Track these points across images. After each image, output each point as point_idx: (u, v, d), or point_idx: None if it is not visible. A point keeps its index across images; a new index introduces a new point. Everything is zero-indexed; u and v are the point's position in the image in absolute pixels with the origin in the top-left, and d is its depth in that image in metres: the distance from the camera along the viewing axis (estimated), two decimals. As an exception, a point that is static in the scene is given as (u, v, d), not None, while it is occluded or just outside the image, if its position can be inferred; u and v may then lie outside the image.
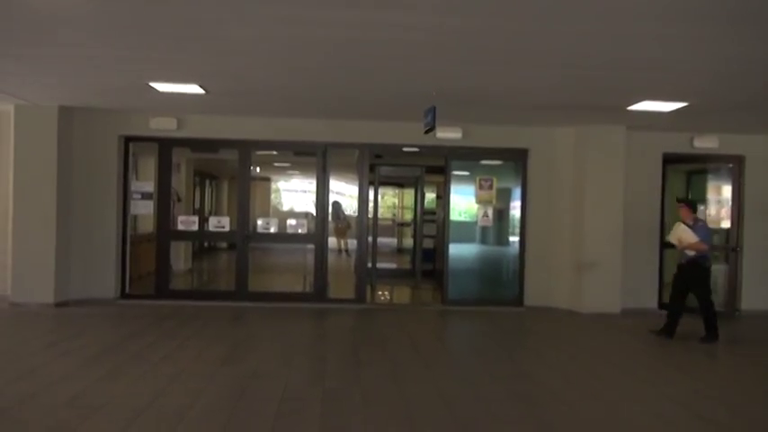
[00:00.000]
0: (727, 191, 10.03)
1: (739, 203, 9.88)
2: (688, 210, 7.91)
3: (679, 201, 8.18)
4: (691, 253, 7.79)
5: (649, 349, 7.82)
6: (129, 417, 4.63)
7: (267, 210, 15.60)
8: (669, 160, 10.03)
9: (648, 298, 9.88)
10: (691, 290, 7.94)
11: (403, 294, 11.76)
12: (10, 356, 6.38)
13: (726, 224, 9.97)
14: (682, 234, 7.79)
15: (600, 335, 8.31)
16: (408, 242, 14.96)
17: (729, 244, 9.86)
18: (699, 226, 7.81)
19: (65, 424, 4.48)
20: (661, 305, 9.92)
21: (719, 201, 10.17)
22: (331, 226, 11.25)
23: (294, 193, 16.91)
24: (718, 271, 10.07)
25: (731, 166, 9.95)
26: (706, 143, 9.74)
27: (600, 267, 9.38)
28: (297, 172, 15.75)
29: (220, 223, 9.90)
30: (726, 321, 9.48)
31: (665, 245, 9.99)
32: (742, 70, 6.02)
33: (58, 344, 6.90)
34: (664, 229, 10.00)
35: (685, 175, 10.69)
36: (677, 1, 4.24)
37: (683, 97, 7.38)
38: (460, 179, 10.46)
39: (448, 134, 9.41)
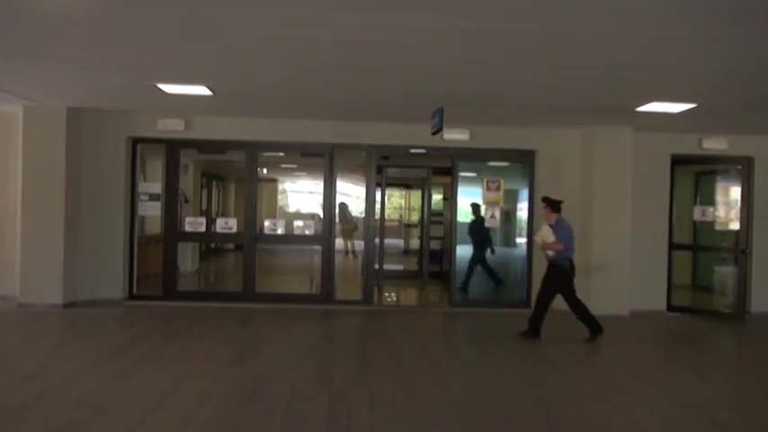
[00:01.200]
0: (735, 192, 9.96)
1: (748, 205, 9.81)
2: (550, 210, 7.80)
3: (543, 200, 8.05)
4: (550, 253, 7.72)
5: (659, 352, 7.80)
6: (137, 417, 4.63)
7: (274, 211, 15.60)
8: (677, 161, 9.98)
9: (657, 300, 9.82)
10: (557, 291, 7.83)
11: (410, 296, 11.74)
12: (18, 357, 6.40)
13: (735, 226, 9.90)
14: (543, 234, 7.76)
15: (608, 337, 8.25)
16: (415, 243, 14.94)
17: (739, 246, 9.79)
18: (558, 226, 7.70)
19: (73, 424, 4.49)
20: (669, 307, 9.88)
21: (728, 202, 10.10)
22: (338, 227, 11.23)
23: (301, 195, 16.91)
24: (728, 273, 10.03)
25: (740, 167, 9.88)
26: (714, 144, 9.69)
27: (608, 269, 9.33)
28: (304, 173, 15.75)
29: (227, 224, 9.91)
30: (736, 324, 9.45)
31: (673, 246, 9.96)
32: (751, 70, 5.99)
33: (66, 345, 6.92)
34: (672, 230, 9.96)
35: (694, 176, 10.64)
36: (686, 1, 4.21)
37: (692, 98, 7.34)
38: (467, 180, 10.44)
39: (455, 135, 9.39)
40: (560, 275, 7.73)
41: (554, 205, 7.84)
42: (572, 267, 7.78)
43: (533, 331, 7.84)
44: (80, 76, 7.14)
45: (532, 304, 9.71)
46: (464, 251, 10.23)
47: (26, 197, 8.92)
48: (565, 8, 4.40)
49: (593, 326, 7.76)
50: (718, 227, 10.12)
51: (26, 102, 8.59)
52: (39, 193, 8.87)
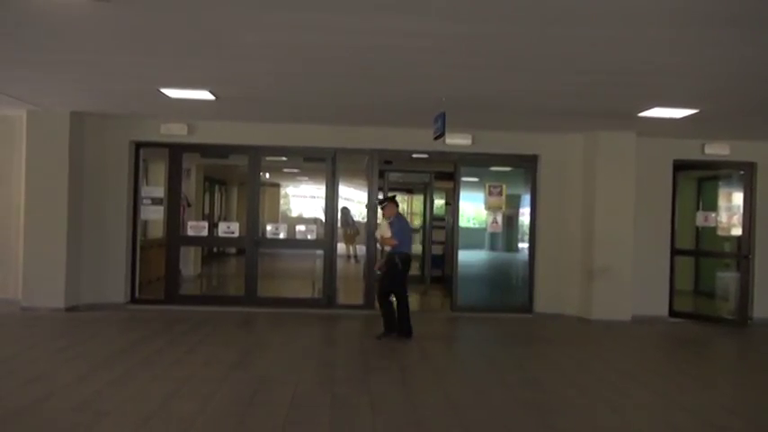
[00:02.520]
0: (738, 198, 9.95)
1: (751, 210, 9.79)
2: (392, 207, 7.99)
3: (380, 202, 8.22)
4: (387, 248, 7.88)
5: (661, 357, 7.79)
6: (139, 421, 4.64)
7: (276, 215, 15.64)
8: (680, 167, 9.97)
9: (659, 305, 9.80)
10: (402, 284, 7.92)
11: (412, 300, 11.60)
12: (21, 361, 6.41)
13: (737, 231, 9.88)
14: (381, 230, 7.97)
15: (610, 342, 8.26)
16: (417, 248, 14.93)
17: (741, 251, 9.77)
18: (395, 222, 7.86)
19: (75, 428, 4.49)
20: (672, 313, 9.87)
21: (731, 208, 10.09)
22: (340, 232, 11.25)
23: (303, 199, 16.95)
24: (730, 279, 10.01)
25: (742, 172, 9.88)
26: (717, 150, 9.69)
27: (610, 274, 9.32)
28: (306, 178, 15.79)
29: (230, 229, 9.92)
30: (738, 329, 9.43)
31: (675, 252, 9.95)
32: (754, 75, 5.99)
33: (68, 348, 6.92)
34: (675, 236, 9.95)
35: (696, 181, 10.63)
36: (689, 6, 4.22)
37: (695, 104, 7.35)
38: (469, 185, 10.45)
39: (457, 140, 9.40)
40: (395, 272, 7.84)
41: (395, 203, 8.08)
42: (407, 263, 7.91)
43: (409, 332, 7.86)
44: (83, 81, 7.17)
45: (532, 307, 9.74)
46: (466, 256, 10.20)
47: (29, 201, 8.93)
48: (567, 14, 4.41)
49: (404, 327, 7.81)
50: (720, 232, 10.11)
51: (30, 106, 8.61)
52: (42, 196, 8.88)
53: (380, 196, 8.33)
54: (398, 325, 7.83)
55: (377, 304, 8.29)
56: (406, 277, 8.02)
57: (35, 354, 6.75)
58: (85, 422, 4.59)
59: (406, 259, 7.92)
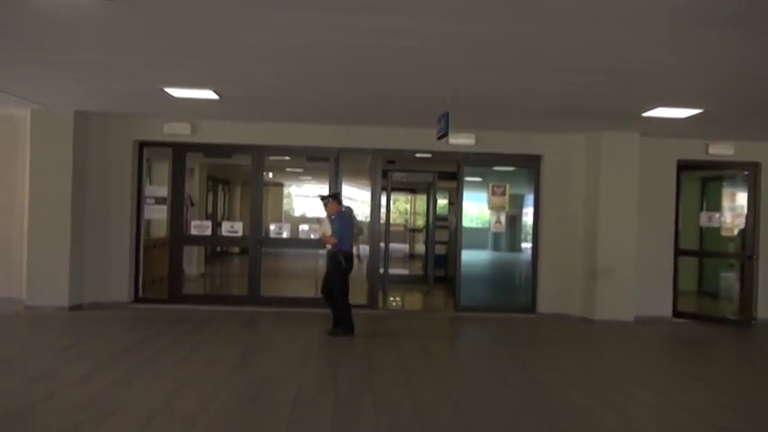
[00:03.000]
0: (742, 198, 9.93)
1: (755, 211, 9.76)
2: (335, 204, 8.01)
3: (323, 199, 8.20)
4: (329, 246, 7.93)
5: (664, 357, 7.77)
6: (143, 420, 4.64)
7: (279, 215, 15.66)
8: (684, 167, 9.95)
9: (663, 306, 9.79)
10: (343, 280, 7.93)
11: (415, 300, 11.74)
12: (25, 359, 6.43)
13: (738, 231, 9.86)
14: (323, 227, 8.05)
15: (613, 342, 8.25)
16: (420, 248, 14.95)
17: (745, 252, 9.75)
18: (336, 220, 7.89)
19: (79, 427, 4.50)
20: (675, 313, 9.85)
21: (735, 208, 10.07)
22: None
23: (306, 199, 16.96)
24: (734, 279, 9.98)
25: (746, 173, 9.85)
26: (721, 150, 9.66)
27: (613, 274, 9.31)
28: (309, 177, 15.81)
29: (233, 228, 9.93)
30: (742, 330, 9.41)
31: (679, 252, 9.93)
32: (758, 76, 5.97)
33: (72, 347, 6.94)
34: (678, 236, 9.93)
35: (700, 182, 10.61)
36: (693, 6, 4.21)
37: (699, 103, 7.33)
38: (473, 185, 10.44)
39: (461, 140, 9.40)
40: (335, 268, 7.87)
41: (337, 198, 8.14)
42: (348, 260, 7.92)
43: (350, 328, 7.87)
44: (88, 80, 7.18)
45: (535, 307, 9.74)
46: (469, 256, 10.20)
47: (33, 200, 8.95)
48: (571, 13, 4.40)
49: (344, 325, 7.83)
50: (724, 233, 10.08)
51: (34, 105, 8.63)
52: (46, 196, 8.90)
53: (325, 193, 8.40)
54: (341, 322, 7.86)
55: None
56: (347, 275, 8.02)
57: (39, 352, 6.76)
58: (89, 421, 4.60)
59: (348, 257, 7.95)
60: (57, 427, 4.53)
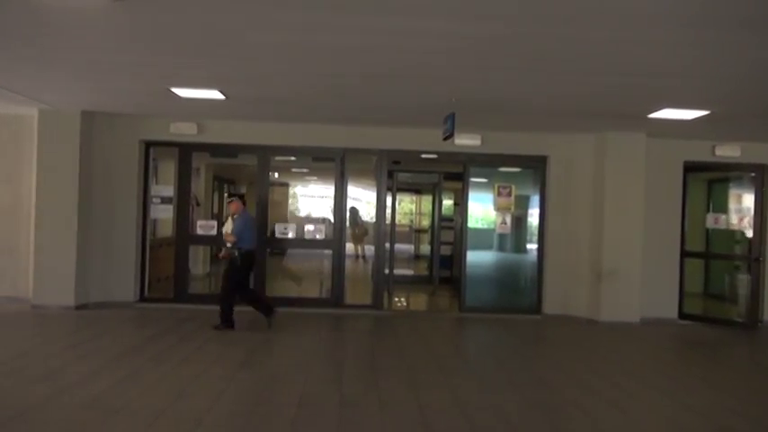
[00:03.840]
0: (749, 200, 9.89)
1: (762, 212, 9.73)
2: (237, 204, 8.23)
3: (229, 197, 8.59)
4: (229, 244, 8.07)
5: (670, 359, 7.75)
6: (148, 419, 4.66)
7: (285, 215, 15.66)
8: (690, 168, 9.92)
9: (668, 307, 9.76)
10: (238, 279, 8.13)
11: (420, 301, 11.73)
12: (31, 358, 6.45)
13: (748, 233, 9.82)
14: (227, 226, 8.22)
15: (619, 344, 8.23)
16: (426, 249, 14.94)
17: (752, 254, 9.71)
18: (237, 219, 8.10)
19: (84, 425, 4.52)
20: (681, 315, 9.82)
21: (741, 210, 10.03)
22: (348, 232, 11.26)
23: (312, 199, 16.96)
24: (741, 281, 9.95)
25: (753, 174, 9.81)
26: (728, 152, 9.63)
27: (619, 276, 9.29)
28: (315, 177, 15.80)
29: (239, 228, 9.92)
30: (748, 332, 9.37)
31: (685, 254, 9.90)
32: (765, 77, 5.95)
33: (78, 346, 6.96)
34: (684, 237, 9.90)
35: (706, 183, 10.57)
36: (700, 8, 4.20)
37: (705, 105, 7.31)
38: (478, 186, 10.43)
39: (466, 141, 9.39)
40: (231, 266, 8.05)
41: (241, 198, 8.37)
42: (246, 258, 8.08)
43: (227, 322, 8.02)
44: (94, 80, 7.21)
45: (541, 308, 9.73)
46: (475, 257, 10.19)
47: (40, 199, 8.99)
48: (578, 15, 4.39)
49: (225, 320, 8.00)
50: (737, 237, 10.03)
51: (41, 104, 8.67)
52: (52, 195, 8.94)
53: (229, 193, 8.69)
54: (222, 315, 8.01)
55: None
56: (246, 274, 8.27)
57: (45, 351, 6.79)
58: (95, 419, 4.62)
59: (248, 255, 8.10)
60: (63, 425, 4.55)
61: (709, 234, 10.17)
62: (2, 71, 6.85)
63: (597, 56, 5.42)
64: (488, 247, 11.07)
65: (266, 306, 8.26)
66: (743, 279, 9.88)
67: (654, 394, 5.89)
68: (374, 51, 5.53)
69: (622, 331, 8.88)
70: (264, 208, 9.90)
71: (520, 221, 10.47)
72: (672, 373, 6.90)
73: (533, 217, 10.23)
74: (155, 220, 10.25)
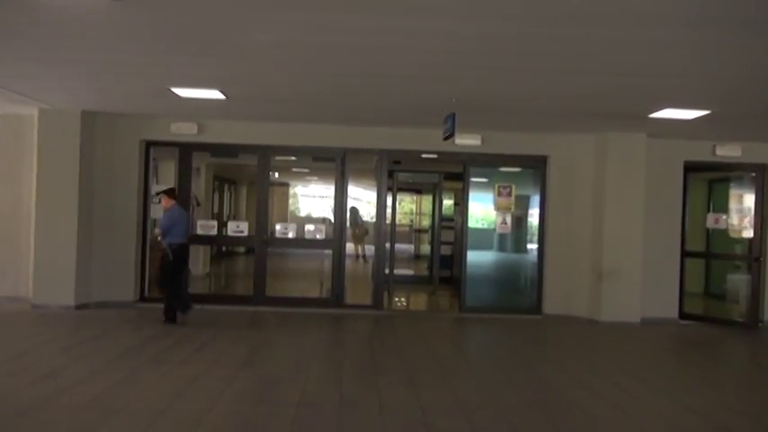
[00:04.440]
0: (749, 200, 9.89)
1: (762, 212, 9.73)
2: (167, 199, 8.39)
3: (157, 194, 8.73)
4: (158, 238, 8.27)
5: (670, 359, 7.75)
6: (148, 419, 4.66)
7: (285, 215, 15.67)
8: (690, 168, 9.92)
9: (669, 307, 9.76)
10: (176, 272, 8.29)
11: (420, 301, 11.73)
12: (31, 358, 6.44)
13: (748, 233, 9.82)
14: (160, 222, 8.44)
15: (619, 344, 8.22)
16: (426, 249, 14.94)
17: (752, 254, 9.71)
18: (166, 213, 8.28)
19: (84, 425, 4.52)
20: (681, 315, 9.82)
21: (742, 210, 10.03)
22: (348, 232, 11.26)
23: (312, 199, 16.98)
24: (741, 281, 9.94)
25: (754, 174, 9.81)
26: (728, 152, 9.63)
27: (620, 276, 9.29)
28: (315, 177, 15.82)
29: (239, 228, 9.94)
30: (749, 332, 9.37)
31: (685, 254, 9.90)
32: (765, 77, 5.95)
33: (78, 346, 6.96)
34: (685, 237, 9.90)
35: (707, 183, 10.57)
36: (701, 8, 4.20)
37: (706, 105, 7.31)
38: (479, 186, 10.42)
39: (467, 141, 9.39)
40: (164, 260, 8.20)
41: (170, 193, 8.48)
42: (178, 253, 8.21)
43: (171, 317, 8.19)
44: (95, 80, 7.21)
45: (541, 308, 9.74)
46: (475, 257, 10.19)
47: (40, 199, 9.00)
48: (579, 14, 4.39)
49: (170, 315, 8.17)
50: (731, 234, 10.04)
51: (41, 104, 8.67)
52: (52, 195, 8.95)
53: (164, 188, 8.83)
54: (164, 311, 8.20)
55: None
56: (180, 268, 8.37)
57: (45, 351, 6.79)
58: (95, 419, 4.62)
59: (179, 249, 8.24)
60: (63, 425, 4.54)
61: (709, 234, 10.17)
62: (2, 71, 6.85)
63: (597, 56, 5.41)
64: (489, 247, 11.07)
65: (185, 304, 8.33)
66: (743, 279, 9.88)
67: (654, 394, 5.89)
68: (375, 51, 5.53)
69: (623, 331, 8.87)
70: (264, 208, 9.90)
71: (520, 221, 10.47)
72: (672, 373, 6.90)
73: (533, 217, 10.23)
74: (155, 220, 10.24)
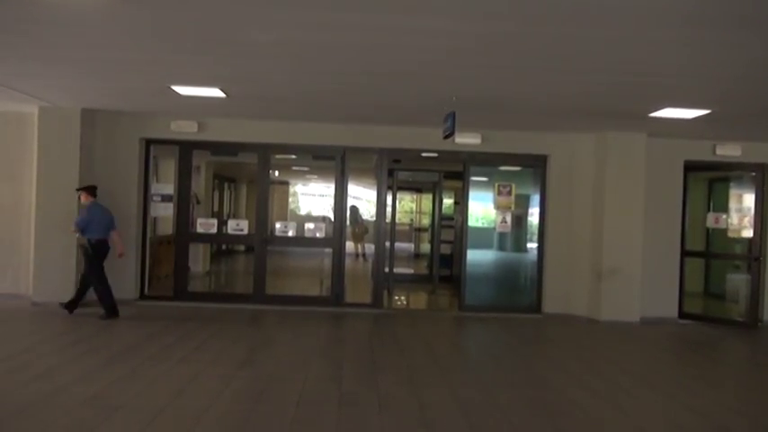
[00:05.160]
0: (749, 199, 9.89)
1: (762, 212, 9.73)
2: (85, 195, 8.50)
3: (77, 190, 8.69)
4: (77, 234, 8.40)
5: (670, 359, 7.75)
6: (147, 417, 4.66)
7: (285, 213, 15.67)
8: (690, 168, 9.92)
9: (669, 307, 9.76)
10: (95, 266, 8.37)
11: (420, 300, 11.74)
12: (30, 355, 6.45)
13: (748, 233, 9.82)
14: None
15: (619, 343, 8.23)
16: (426, 247, 14.94)
17: (752, 253, 9.71)
18: (83, 210, 8.42)
19: (83, 423, 4.52)
20: (681, 314, 9.82)
21: (741, 209, 10.03)
22: (348, 230, 11.25)
23: (312, 197, 16.98)
24: (741, 281, 9.94)
25: (754, 174, 9.81)
26: (728, 151, 9.63)
27: (619, 275, 9.29)
28: (315, 176, 15.82)
29: (239, 226, 9.95)
30: (748, 332, 9.38)
31: (685, 253, 9.90)
32: (766, 77, 5.94)
33: (78, 343, 6.97)
34: (684, 237, 9.90)
35: (707, 183, 10.57)
36: (702, 7, 4.19)
37: (706, 104, 7.30)
38: (479, 185, 10.43)
39: (467, 140, 9.40)
40: (85, 256, 8.35)
41: (89, 190, 8.55)
42: (97, 248, 8.31)
43: (111, 311, 8.34)
44: (95, 78, 7.20)
45: (541, 308, 9.73)
46: (475, 255, 10.19)
47: (40, 197, 9.01)
48: (579, 14, 4.39)
49: (105, 307, 8.32)
50: (731, 234, 10.04)
51: (41, 102, 8.67)
52: (52, 192, 8.95)
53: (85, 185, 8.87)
54: (104, 305, 8.31)
55: None
56: (99, 263, 8.40)
57: (45, 348, 6.80)
58: (95, 417, 4.63)
59: (98, 245, 8.33)
60: (62, 423, 4.55)
61: (709, 233, 10.17)
62: (4, 69, 6.85)
63: (597, 55, 5.41)
64: (488, 245, 11.07)
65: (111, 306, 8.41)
66: (743, 279, 9.88)
67: (654, 393, 5.89)
68: (375, 50, 5.53)
69: (622, 330, 8.88)
70: (264, 206, 9.90)
71: (520, 220, 10.47)
72: (672, 373, 6.91)
73: (533, 216, 10.23)
74: (155, 218, 10.25)
